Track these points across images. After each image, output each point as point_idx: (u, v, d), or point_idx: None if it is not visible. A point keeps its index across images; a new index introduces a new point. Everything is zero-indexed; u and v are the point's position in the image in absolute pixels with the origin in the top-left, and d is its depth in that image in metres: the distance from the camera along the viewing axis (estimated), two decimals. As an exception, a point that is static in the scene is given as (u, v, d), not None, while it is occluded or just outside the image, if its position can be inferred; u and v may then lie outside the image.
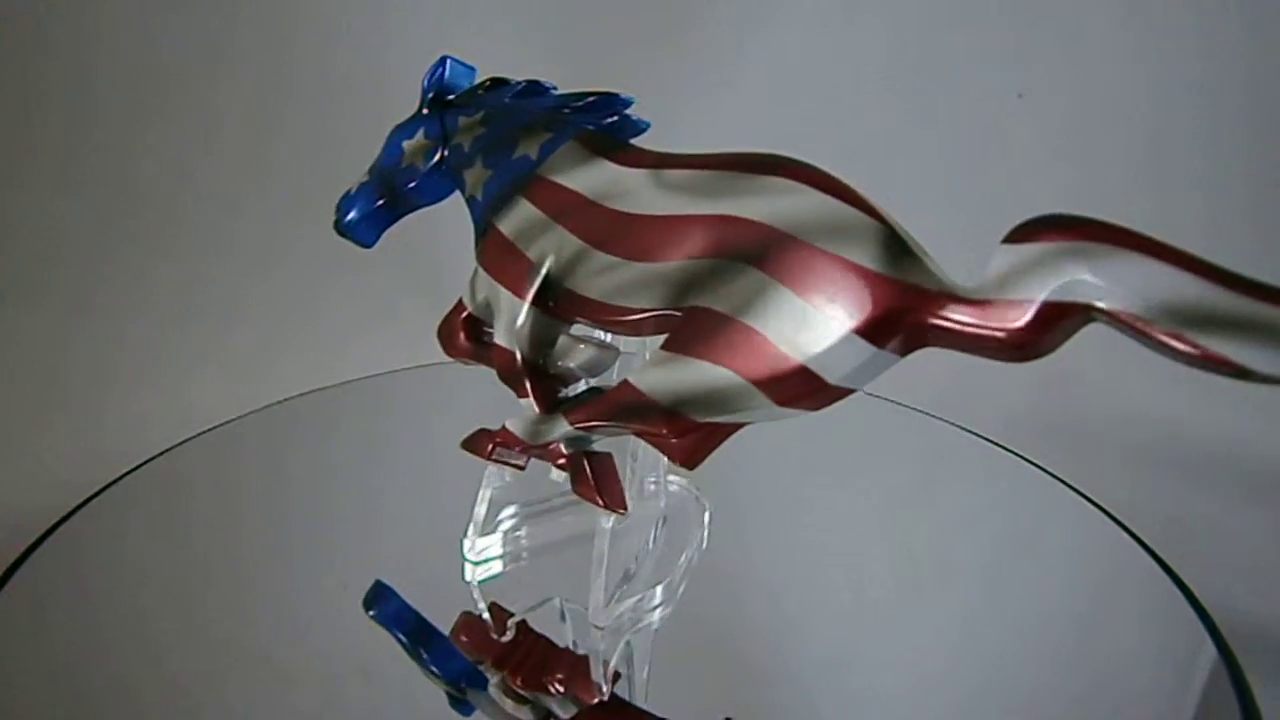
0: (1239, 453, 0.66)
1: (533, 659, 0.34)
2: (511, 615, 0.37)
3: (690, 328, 0.27)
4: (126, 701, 0.35)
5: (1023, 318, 0.23)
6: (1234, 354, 0.20)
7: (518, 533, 0.40)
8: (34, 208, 0.75)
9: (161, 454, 0.46)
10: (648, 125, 0.32)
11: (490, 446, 0.36)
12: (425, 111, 0.35)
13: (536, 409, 0.33)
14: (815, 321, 0.25)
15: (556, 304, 0.32)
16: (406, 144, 0.35)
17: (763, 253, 0.26)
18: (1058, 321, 0.23)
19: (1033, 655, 0.37)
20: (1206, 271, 0.21)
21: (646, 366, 0.28)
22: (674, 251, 0.28)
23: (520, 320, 0.32)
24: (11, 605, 0.35)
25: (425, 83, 0.34)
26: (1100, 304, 0.22)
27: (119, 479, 0.43)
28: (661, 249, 0.28)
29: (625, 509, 0.33)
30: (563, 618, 0.37)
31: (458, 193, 0.36)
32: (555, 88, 0.33)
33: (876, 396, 0.52)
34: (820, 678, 0.37)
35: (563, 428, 0.32)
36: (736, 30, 0.84)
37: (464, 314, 0.35)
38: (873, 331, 0.24)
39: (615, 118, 0.31)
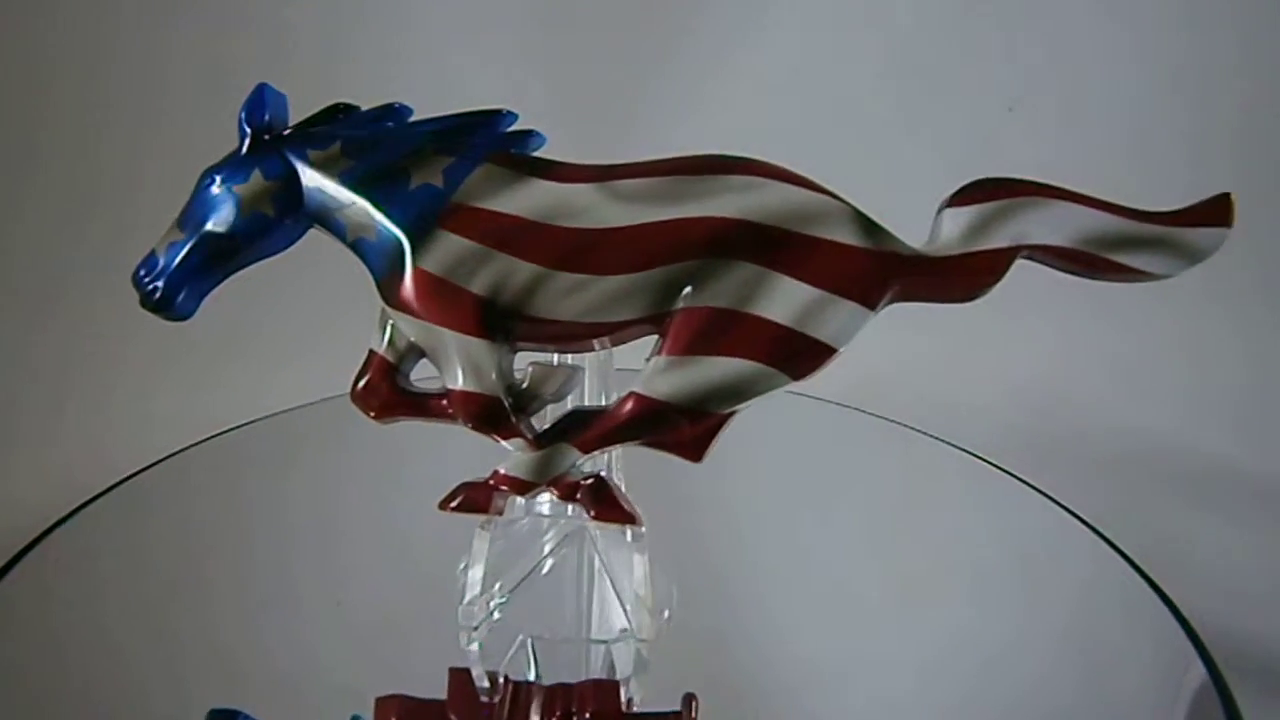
0: (1225, 470, 0.67)
1: (529, 706, 0.33)
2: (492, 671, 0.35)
3: (693, 328, 0.29)
4: (122, 706, 0.34)
5: (983, 266, 0.28)
6: (1136, 263, 0.28)
7: (503, 576, 0.37)
8: (40, 215, 0.75)
9: (163, 460, 0.46)
10: (545, 140, 0.31)
11: (489, 498, 0.32)
12: (248, 149, 0.30)
13: (527, 446, 0.31)
14: (821, 301, 0.28)
15: (511, 334, 0.30)
16: (240, 189, 0.29)
17: (750, 246, 0.28)
18: (1008, 264, 0.28)
19: (1019, 671, 0.37)
20: (1108, 207, 0.28)
21: (656, 375, 0.29)
22: (652, 259, 0.29)
23: (481, 359, 0.30)
24: (7, 607, 0.34)
25: (246, 115, 0.30)
26: (1038, 243, 0.28)
27: (118, 483, 0.43)
28: (637, 259, 0.29)
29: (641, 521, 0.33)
30: (532, 658, 0.36)
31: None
32: (412, 111, 0.31)
33: (864, 412, 0.52)
34: (808, 692, 0.37)
35: (572, 457, 0.31)
36: (728, 40, 0.84)
37: (382, 366, 0.32)
38: (869, 299, 0.28)
39: (518, 135, 0.30)
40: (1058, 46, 0.86)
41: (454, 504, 0.33)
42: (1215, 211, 0.28)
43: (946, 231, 0.29)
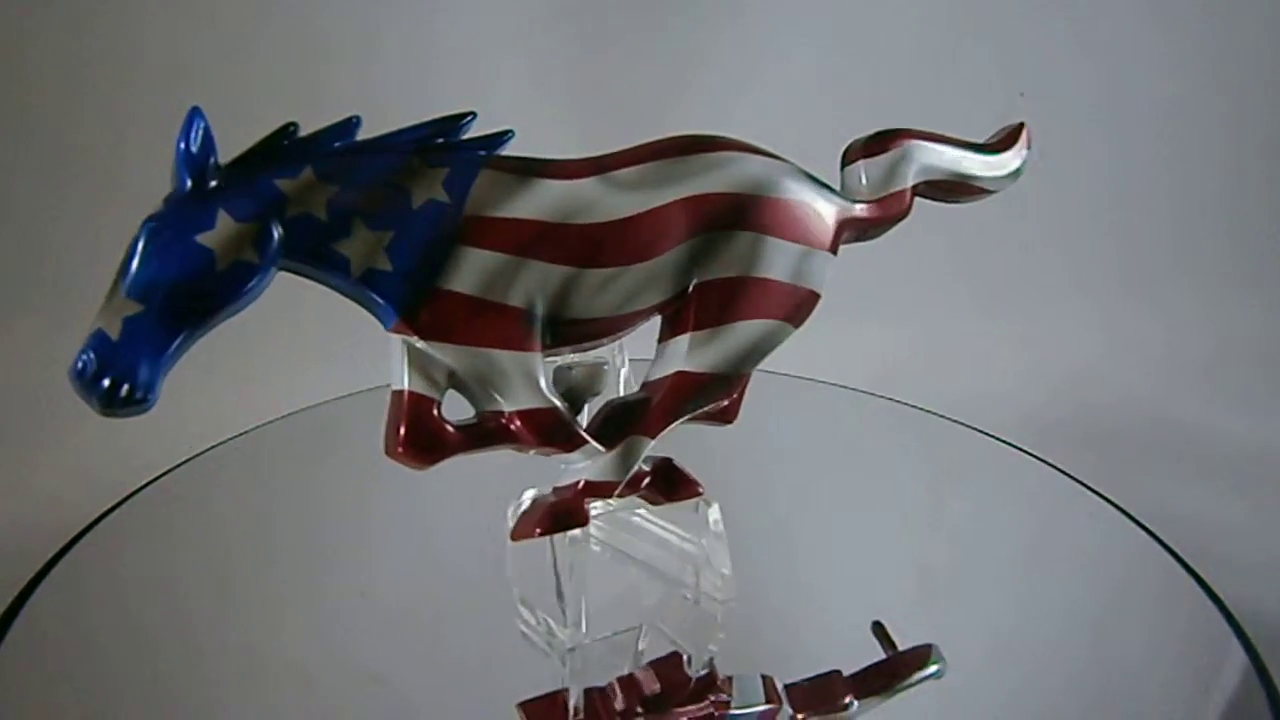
0: (1257, 455, 0.66)
1: (608, 708, 0.33)
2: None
3: (714, 300, 0.30)
4: (142, 709, 0.35)
5: (902, 202, 0.33)
6: (986, 185, 0.34)
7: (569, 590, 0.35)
8: (18, 220, 0.75)
9: (191, 459, 0.46)
10: (515, 135, 0.29)
11: (584, 509, 0.32)
12: (196, 191, 0.24)
13: (600, 448, 0.31)
14: (805, 255, 0.31)
15: (552, 339, 0.29)
16: (208, 239, 0.24)
17: (741, 216, 0.30)
18: (914, 199, 0.33)
19: (1055, 657, 0.37)
20: (956, 141, 0.34)
21: (696, 350, 0.30)
22: (666, 241, 0.29)
23: (538, 373, 0.29)
24: (23, 626, 0.34)
25: (186, 151, 0.24)
26: (930, 179, 0.33)
27: (149, 482, 0.44)
28: (654, 244, 0.29)
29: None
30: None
31: None
32: (362, 122, 0.27)
33: (893, 400, 0.52)
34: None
35: (645, 446, 0.31)
36: (739, 31, 0.84)
37: (421, 405, 0.29)
38: (833, 246, 0.32)
39: (496, 136, 0.28)
40: (1069, 31, 0.86)
41: (542, 529, 0.31)
42: (1018, 137, 0.35)
43: (869, 179, 0.32)
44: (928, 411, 0.52)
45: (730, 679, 0.34)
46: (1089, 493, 0.43)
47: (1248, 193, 0.85)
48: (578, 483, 0.31)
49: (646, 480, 0.33)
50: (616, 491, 0.32)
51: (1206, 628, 0.34)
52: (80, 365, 0.24)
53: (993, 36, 0.86)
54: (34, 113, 0.76)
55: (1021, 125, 0.35)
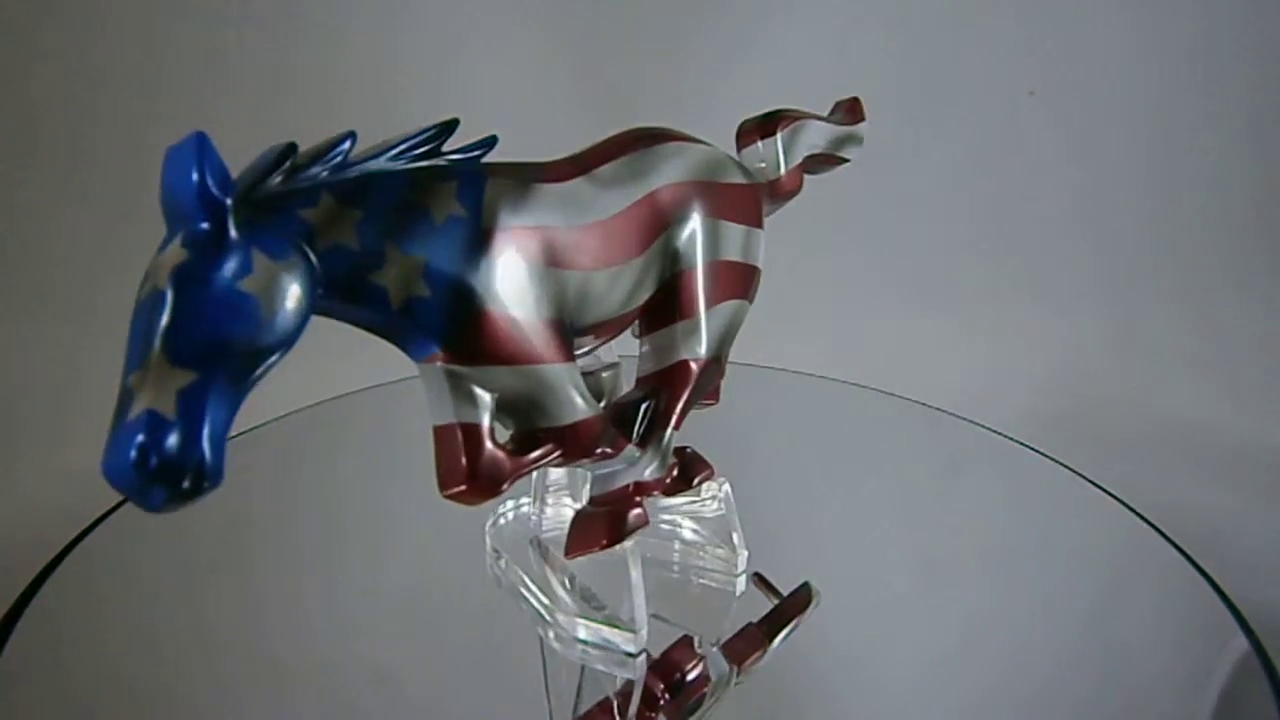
0: (1251, 448, 0.66)
1: (649, 702, 0.33)
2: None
3: (693, 287, 0.31)
4: (150, 707, 0.35)
5: (798, 178, 0.36)
6: (847, 154, 0.38)
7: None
8: (36, 216, 0.75)
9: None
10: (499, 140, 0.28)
11: (643, 512, 0.32)
12: (217, 231, 0.21)
13: (636, 450, 0.31)
14: (748, 235, 0.33)
15: (574, 346, 0.29)
16: (250, 285, 0.21)
17: (700, 203, 0.31)
18: (804, 173, 0.36)
19: (1056, 648, 0.37)
20: (823, 118, 0.37)
21: (692, 336, 0.32)
22: (651, 233, 0.30)
23: (580, 383, 0.28)
24: (29, 626, 0.34)
25: (204, 185, 0.20)
26: (813, 153, 0.36)
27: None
28: (639, 239, 0.30)
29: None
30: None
31: None
32: (357, 136, 0.24)
33: (894, 395, 0.52)
34: (837, 674, 0.37)
35: (673, 439, 0.32)
36: (744, 29, 0.84)
37: (479, 435, 0.27)
38: (762, 223, 0.34)
39: (485, 143, 0.27)
40: (1078, 30, 0.86)
41: (608, 540, 0.31)
42: (859, 109, 0.39)
43: (768, 158, 0.35)
44: (929, 406, 0.52)
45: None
46: (1090, 485, 0.44)
47: (1245, 193, 0.85)
48: (628, 486, 0.32)
49: (675, 471, 0.33)
50: (661, 488, 0.32)
51: (1207, 618, 0.35)
52: (135, 457, 0.19)
53: (998, 33, 0.86)
54: (46, 120, 0.76)
55: (856, 98, 0.39)
